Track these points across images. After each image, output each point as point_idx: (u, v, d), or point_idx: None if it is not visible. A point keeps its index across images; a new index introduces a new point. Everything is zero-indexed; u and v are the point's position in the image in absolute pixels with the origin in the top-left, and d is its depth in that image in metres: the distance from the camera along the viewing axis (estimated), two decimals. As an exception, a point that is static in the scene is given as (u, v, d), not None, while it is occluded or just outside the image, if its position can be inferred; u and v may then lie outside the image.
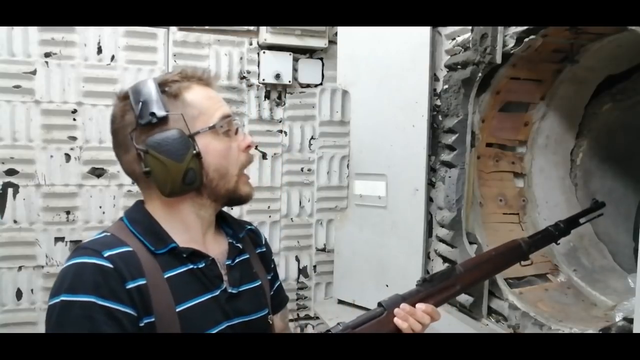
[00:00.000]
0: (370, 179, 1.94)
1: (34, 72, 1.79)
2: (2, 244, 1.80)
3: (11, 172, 1.79)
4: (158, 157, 0.89)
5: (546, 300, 1.49)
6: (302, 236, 2.16)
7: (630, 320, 1.07)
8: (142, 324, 0.85)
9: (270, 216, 2.10)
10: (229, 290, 0.97)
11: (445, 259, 1.69)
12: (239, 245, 1.05)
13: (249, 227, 1.16)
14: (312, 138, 2.14)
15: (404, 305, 0.99)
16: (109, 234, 0.92)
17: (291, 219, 2.14)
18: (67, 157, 1.85)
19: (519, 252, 1.23)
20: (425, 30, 1.68)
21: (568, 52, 1.53)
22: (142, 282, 0.86)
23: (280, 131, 2.10)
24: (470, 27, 1.53)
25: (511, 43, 1.41)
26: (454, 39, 1.65)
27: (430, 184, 1.74)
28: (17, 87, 1.78)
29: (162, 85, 0.93)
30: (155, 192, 0.94)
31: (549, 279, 1.59)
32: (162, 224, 0.95)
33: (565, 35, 1.43)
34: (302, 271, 2.17)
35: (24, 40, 1.77)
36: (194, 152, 0.91)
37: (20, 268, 1.83)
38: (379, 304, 1.00)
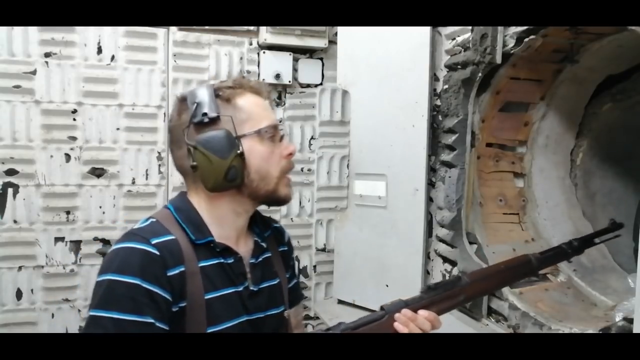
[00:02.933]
0: (370, 179, 1.94)
1: (34, 72, 1.79)
2: (2, 244, 1.80)
3: (11, 172, 1.79)
4: (205, 152, 0.96)
5: (546, 300, 1.49)
6: (302, 236, 2.16)
7: (630, 320, 1.07)
8: (175, 309, 0.92)
9: (270, 216, 2.10)
10: (251, 288, 1.03)
11: (445, 259, 1.69)
12: (263, 244, 1.10)
13: (275, 225, 1.22)
14: (312, 138, 2.14)
15: (405, 311, 1.00)
16: (154, 220, 0.99)
17: (291, 219, 2.14)
18: (67, 157, 1.85)
19: (529, 267, 1.20)
20: (425, 30, 1.68)
21: (568, 52, 1.53)
22: (181, 269, 0.93)
23: (280, 131, 2.10)
24: (470, 27, 1.53)
25: (511, 43, 1.41)
26: (454, 39, 1.65)
27: (430, 184, 1.74)
28: (17, 87, 1.78)
29: (217, 90, 1.01)
30: (200, 186, 1.00)
31: (549, 279, 1.59)
32: (202, 217, 1.01)
33: (565, 35, 1.43)
34: (302, 271, 2.17)
35: (24, 40, 1.77)
36: (238, 151, 0.97)
37: (20, 268, 1.83)
38: (381, 308, 1.01)
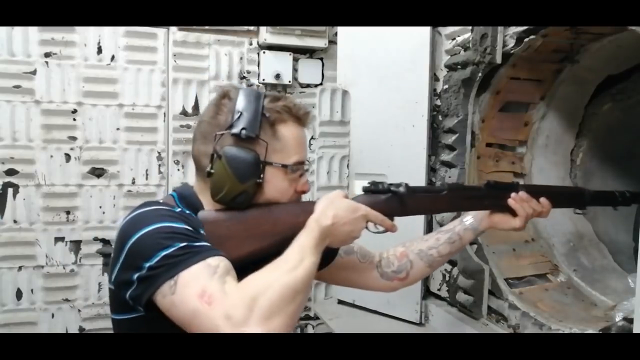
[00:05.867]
0: (370, 179, 1.94)
1: (34, 72, 1.79)
2: (2, 244, 1.80)
3: (11, 172, 1.79)
4: (226, 167, 0.94)
5: (546, 300, 1.49)
6: (302, 236, 2.16)
7: (630, 320, 1.07)
8: None
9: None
10: None
11: (445, 259, 1.69)
12: None
13: None
14: (312, 138, 2.14)
15: (522, 193, 1.15)
16: (162, 202, 0.98)
17: (291, 219, 2.13)
18: (67, 157, 1.85)
19: (579, 199, 1.24)
20: (425, 30, 1.68)
21: (568, 52, 1.53)
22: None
23: (280, 131, 2.10)
24: (470, 27, 1.53)
25: (511, 43, 1.41)
26: (454, 39, 1.65)
27: (430, 184, 1.73)
28: (17, 87, 1.78)
29: (265, 109, 0.98)
30: (207, 187, 0.98)
31: (549, 279, 1.59)
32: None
33: (565, 35, 1.43)
34: (302, 271, 2.16)
35: (24, 40, 1.77)
36: (258, 180, 0.96)
37: (20, 268, 1.83)
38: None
